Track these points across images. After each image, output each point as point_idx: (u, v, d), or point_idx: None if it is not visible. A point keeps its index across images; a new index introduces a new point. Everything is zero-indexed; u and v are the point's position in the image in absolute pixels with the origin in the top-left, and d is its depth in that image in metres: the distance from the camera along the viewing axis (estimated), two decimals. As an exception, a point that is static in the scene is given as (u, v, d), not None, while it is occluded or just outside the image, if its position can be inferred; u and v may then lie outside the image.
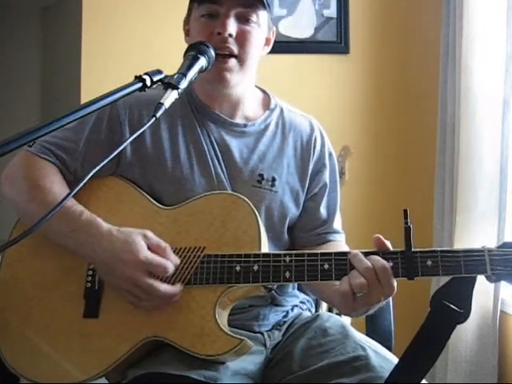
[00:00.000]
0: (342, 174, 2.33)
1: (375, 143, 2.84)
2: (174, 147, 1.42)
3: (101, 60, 2.70)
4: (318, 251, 1.26)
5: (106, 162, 1.01)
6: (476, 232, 2.37)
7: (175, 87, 1.14)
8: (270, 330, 1.45)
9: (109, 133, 1.42)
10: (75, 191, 0.98)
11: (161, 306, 1.28)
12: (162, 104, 1.10)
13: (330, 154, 1.55)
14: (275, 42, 1.52)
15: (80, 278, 1.35)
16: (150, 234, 1.30)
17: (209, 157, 1.43)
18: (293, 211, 1.48)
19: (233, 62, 1.37)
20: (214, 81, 1.39)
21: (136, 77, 1.10)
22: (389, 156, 2.84)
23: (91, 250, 1.29)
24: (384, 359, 1.30)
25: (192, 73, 1.21)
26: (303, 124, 1.53)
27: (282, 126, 1.51)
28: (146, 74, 1.11)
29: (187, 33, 1.46)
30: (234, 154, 1.44)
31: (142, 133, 1.10)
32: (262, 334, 1.43)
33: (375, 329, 1.61)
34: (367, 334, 1.52)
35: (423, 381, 1.17)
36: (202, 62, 1.26)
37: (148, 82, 1.10)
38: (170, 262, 1.27)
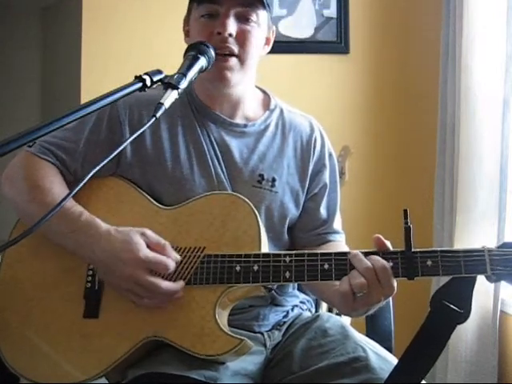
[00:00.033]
0: (342, 174, 2.33)
1: (375, 143, 2.84)
2: (174, 147, 1.42)
3: (101, 60, 2.70)
4: (318, 251, 1.26)
5: (105, 162, 1.01)
6: (476, 232, 2.37)
7: (175, 87, 1.14)
8: (269, 330, 1.45)
9: (109, 133, 1.42)
10: (75, 191, 0.98)
11: (163, 304, 1.28)
12: (162, 104, 1.10)
13: (330, 155, 1.55)
14: (275, 41, 1.52)
15: (80, 278, 1.35)
16: (148, 232, 1.30)
17: (209, 157, 1.43)
18: (293, 211, 1.48)
19: (233, 60, 1.37)
20: (215, 80, 1.39)
21: (136, 77, 1.10)
22: (389, 156, 2.84)
23: (90, 250, 1.29)
24: (384, 360, 1.30)
25: (192, 73, 1.21)
26: (303, 124, 1.53)
27: (281, 126, 1.51)
28: (146, 73, 1.11)
29: (187, 33, 1.46)
30: (234, 154, 1.44)
31: (141, 133, 1.10)
32: (262, 334, 1.43)
33: (375, 329, 1.61)
34: (367, 334, 1.52)
35: (423, 381, 1.17)
36: (202, 61, 1.26)
37: (148, 82, 1.10)
38: (171, 259, 1.27)
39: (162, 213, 1.38)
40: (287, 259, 1.25)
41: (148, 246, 1.27)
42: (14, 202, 1.40)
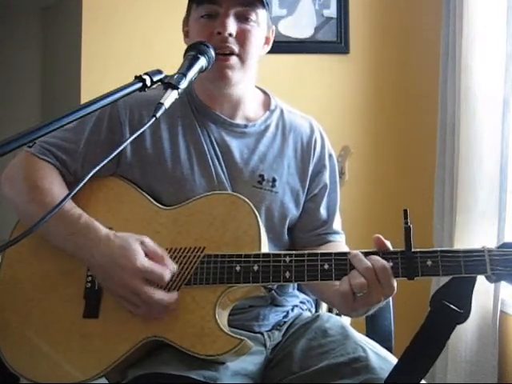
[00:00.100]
0: (341, 174, 2.33)
1: (375, 143, 2.84)
2: (174, 147, 1.42)
3: (101, 60, 2.70)
4: (318, 251, 1.26)
5: (105, 162, 1.01)
6: (476, 232, 2.37)
7: (175, 87, 1.14)
8: (270, 331, 1.45)
9: (109, 133, 1.42)
10: (75, 191, 0.98)
11: (158, 314, 1.27)
12: (162, 104, 1.10)
13: (330, 155, 1.55)
14: (275, 41, 1.52)
15: (80, 278, 1.35)
16: (147, 240, 1.29)
17: (209, 157, 1.42)
18: (293, 212, 1.48)
19: (234, 59, 1.37)
20: (216, 79, 1.39)
21: (136, 77, 1.10)
22: (389, 156, 2.84)
23: (89, 254, 1.29)
24: (384, 360, 1.29)
25: (192, 73, 1.21)
26: (303, 125, 1.53)
27: (282, 127, 1.51)
28: (146, 73, 1.11)
29: (186, 34, 1.46)
30: (235, 154, 1.44)
31: (142, 133, 1.10)
32: (262, 334, 1.43)
33: (375, 329, 1.61)
34: (367, 334, 1.52)
35: (423, 381, 1.17)
36: (202, 61, 1.26)
37: (148, 82, 1.10)
38: (168, 270, 1.27)
39: (162, 213, 1.37)
40: (287, 259, 1.25)
41: (146, 255, 1.27)
42: (14, 203, 1.40)
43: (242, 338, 1.24)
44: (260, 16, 1.41)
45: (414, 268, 1.19)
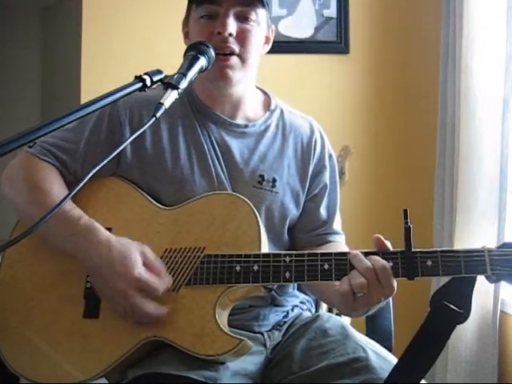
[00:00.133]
0: (341, 174, 2.33)
1: (375, 143, 2.84)
2: (175, 148, 1.42)
3: (101, 60, 2.70)
4: (318, 251, 1.26)
5: (104, 163, 1.00)
6: (476, 232, 2.37)
7: (175, 87, 1.14)
8: (270, 331, 1.45)
9: (109, 133, 1.42)
10: (75, 191, 0.98)
11: (146, 324, 1.27)
12: (162, 104, 1.10)
13: (330, 156, 1.55)
14: (275, 42, 1.52)
15: (80, 278, 1.35)
16: (147, 250, 1.30)
17: (209, 157, 1.42)
18: (293, 212, 1.48)
19: (235, 59, 1.37)
20: (216, 79, 1.39)
21: (136, 77, 1.10)
22: (389, 156, 2.84)
23: (88, 255, 1.29)
24: (384, 360, 1.29)
25: (192, 73, 1.21)
26: (303, 126, 1.53)
27: (282, 127, 1.51)
28: (146, 74, 1.11)
29: (186, 35, 1.46)
30: (235, 154, 1.44)
31: (142, 133, 1.10)
32: (262, 334, 1.43)
33: (375, 329, 1.61)
34: (367, 334, 1.52)
35: (423, 381, 1.17)
36: (202, 61, 1.26)
37: (148, 82, 1.10)
38: (163, 283, 1.27)
39: (162, 213, 1.37)
40: (287, 259, 1.25)
41: (144, 265, 1.27)
42: (14, 203, 1.40)
43: (242, 338, 1.24)
44: (260, 15, 1.41)
45: (413, 268, 1.19)
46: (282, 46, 2.64)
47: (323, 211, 1.52)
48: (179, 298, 1.29)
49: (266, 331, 1.44)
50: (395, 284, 1.21)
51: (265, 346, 1.42)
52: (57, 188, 1.37)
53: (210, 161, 1.42)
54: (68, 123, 0.97)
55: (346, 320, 1.54)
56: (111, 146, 1.38)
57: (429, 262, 1.19)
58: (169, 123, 1.43)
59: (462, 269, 1.17)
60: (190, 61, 1.24)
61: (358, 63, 2.84)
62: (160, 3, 2.70)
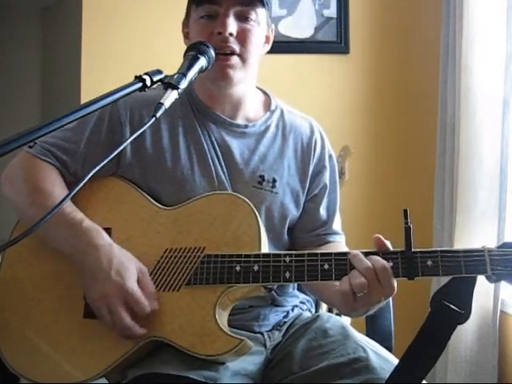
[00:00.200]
0: (341, 174, 2.33)
1: (375, 143, 2.84)
2: (175, 148, 1.42)
3: (101, 60, 2.70)
4: (318, 251, 1.26)
5: (104, 163, 1.00)
6: (476, 232, 2.37)
7: (175, 87, 1.14)
8: (270, 331, 1.45)
9: (109, 133, 1.42)
10: (74, 191, 0.98)
11: (119, 335, 1.27)
12: (162, 104, 1.10)
13: (330, 156, 1.55)
14: (275, 42, 1.52)
15: (80, 278, 1.35)
16: (145, 270, 1.30)
17: (209, 157, 1.42)
18: (293, 212, 1.48)
19: (235, 59, 1.37)
20: (217, 79, 1.39)
21: (136, 77, 1.10)
22: (389, 156, 2.84)
23: (87, 257, 1.28)
24: (384, 360, 1.29)
25: (192, 73, 1.21)
26: (303, 126, 1.53)
27: (282, 127, 1.51)
28: (146, 73, 1.11)
29: (186, 35, 1.46)
30: (235, 154, 1.44)
31: (142, 133, 1.10)
32: (262, 334, 1.43)
33: (375, 329, 1.61)
34: (367, 334, 1.52)
35: (423, 381, 1.17)
36: (202, 61, 1.26)
37: (148, 82, 1.10)
38: (149, 306, 1.27)
39: (162, 213, 1.37)
40: (287, 259, 1.25)
41: (138, 282, 1.28)
42: (14, 203, 1.40)
43: (242, 338, 1.24)
44: (260, 15, 1.41)
45: (414, 268, 1.19)
46: (282, 45, 2.64)
47: (323, 211, 1.52)
48: (179, 297, 1.28)
49: (266, 331, 1.44)
50: (395, 284, 1.21)
51: (265, 346, 1.42)
52: (57, 189, 1.37)
53: (211, 161, 1.42)
54: (68, 123, 0.97)
55: (346, 320, 1.54)
56: (111, 146, 1.38)
57: (429, 262, 1.19)
58: (169, 123, 1.43)
59: (462, 269, 1.17)
60: (190, 61, 1.24)
61: (358, 63, 2.84)
62: (160, 3, 2.70)
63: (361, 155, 2.69)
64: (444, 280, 1.19)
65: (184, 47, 1.30)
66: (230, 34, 1.36)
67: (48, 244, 1.35)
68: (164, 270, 1.31)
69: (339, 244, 1.52)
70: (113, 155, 1.03)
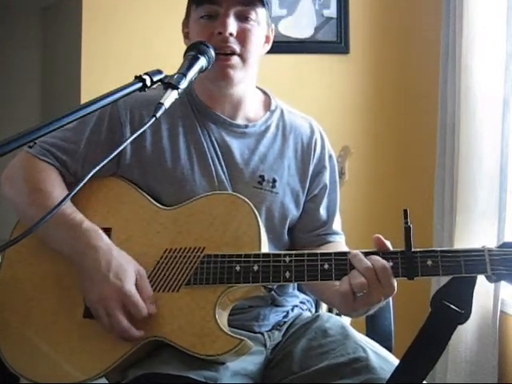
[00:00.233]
0: (341, 174, 2.33)
1: (375, 143, 2.84)
2: (175, 148, 1.42)
3: (101, 60, 2.70)
4: (318, 251, 1.26)
5: (104, 163, 1.00)
6: (476, 232, 2.37)
7: (175, 87, 1.14)
8: (270, 331, 1.45)
9: (109, 133, 1.42)
10: (74, 191, 0.98)
11: (116, 337, 1.27)
12: (162, 104, 1.10)
13: (330, 156, 1.55)
14: (275, 42, 1.52)
15: (79, 278, 1.35)
16: (143, 273, 1.30)
17: (209, 157, 1.42)
18: (293, 212, 1.48)
19: (235, 59, 1.37)
20: (217, 79, 1.39)
21: (136, 77, 1.10)
22: (389, 156, 2.84)
23: (86, 258, 1.28)
24: (384, 360, 1.29)
25: (192, 73, 1.21)
26: (303, 126, 1.53)
27: (282, 127, 1.51)
28: (146, 73, 1.11)
29: (186, 35, 1.46)
30: (235, 154, 1.44)
31: (142, 133, 1.10)
32: (262, 334, 1.43)
33: (375, 329, 1.61)
34: (367, 334, 1.52)
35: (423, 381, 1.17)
36: (202, 61, 1.26)
37: (148, 82, 1.10)
38: (147, 309, 1.27)
39: (162, 213, 1.37)
40: (287, 259, 1.25)
41: (136, 285, 1.28)
42: (14, 203, 1.40)
43: (242, 338, 1.24)
44: (260, 15, 1.41)
45: (413, 268, 1.19)
46: (282, 45, 2.64)
47: (323, 211, 1.52)
48: (179, 298, 1.28)
49: (266, 331, 1.44)
50: (395, 284, 1.21)
51: (265, 346, 1.42)
52: (57, 189, 1.37)
53: (211, 161, 1.42)
54: (68, 123, 0.97)
55: (346, 320, 1.54)
56: (111, 146, 1.37)
57: (429, 262, 1.19)
58: (169, 123, 1.43)
59: (462, 268, 1.17)
60: (189, 61, 1.24)
61: (358, 63, 2.84)
62: (160, 3, 2.70)
63: (361, 155, 2.69)
64: (444, 280, 1.19)
65: (184, 47, 1.30)
66: (231, 34, 1.36)
67: (48, 244, 1.35)
68: (164, 270, 1.31)
69: (339, 244, 1.52)
70: (113, 155, 1.03)
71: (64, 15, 3.34)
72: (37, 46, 3.84)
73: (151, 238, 1.34)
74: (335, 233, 1.53)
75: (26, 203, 1.37)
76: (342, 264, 1.22)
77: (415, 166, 2.83)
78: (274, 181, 1.45)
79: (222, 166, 1.43)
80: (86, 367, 1.30)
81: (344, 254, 1.23)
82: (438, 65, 2.60)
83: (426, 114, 2.77)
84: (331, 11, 2.80)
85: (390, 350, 1.44)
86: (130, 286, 1.26)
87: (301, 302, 1.54)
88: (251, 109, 1.49)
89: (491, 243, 2.15)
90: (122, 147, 1.05)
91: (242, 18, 1.38)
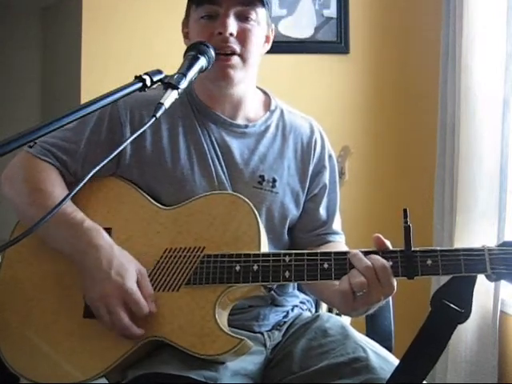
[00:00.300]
0: (341, 174, 2.33)
1: (375, 143, 2.84)
2: (175, 148, 1.42)
3: (101, 60, 2.70)
4: (318, 251, 1.26)
5: (104, 163, 1.00)
6: (476, 232, 2.37)
7: (175, 87, 1.14)
8: (270, 330, 1.45)
9: (109, 133, 1.42)
10: (74, 191, 0.98)
11: (117, 334, 1.27)
12: (162, 104, 1.10)
13: (330, 156, 1.55)
14: (275, 42, 1.52)
15: (80, 278, 1.35)
16: (144, 272, 1.30)
17: (209, 157, 1.42)
18: (293, 212, 1.48)
19: (236, 59, 1.37)
20: (217, 79, 1.39)
21: (136, 77, 1.10)
22: (389, 156, 2.84)
23: (87, 256, 1.28)
24: (384, 360, 1.29)
25: (192, 73, 1.21)
26: (303, 126, 1.53)
27: (282, 127, 1.51)
28: (146, 73, 1.11)
29: (186, 35, 1.46)
30: (235, 154, 1.44)
31: (142, 133, 1.10)
32: (262, 334, 1.43)
33: (375, 329, 1.61)
34: (367, 334, 1.52)
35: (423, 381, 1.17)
36: (202, 61, 1.26)
37: (148, 82, 1.10)
38: (147, 307, 1.27)
39: (162, 213, 1.37)
40: (287, 259, 1.25)
41: (137, 283, 1.28)
42: (14, 203, 1.40)
43: (242, 337, 1.24)
44: (260, 15, 1.41)
45: (413, 267, 1.19)
46: (282, 45, 2.65)
47: (323, 211, 1.52)
48: (179, 297, 1.28)
49: (266, 331, 1.44)
50: (395, 283, 1.21)
51: (265, 345, 1.42)
52: (57, 189, 1.37)
53: (210, 161, 1.42)
54: (68, 123, 0.97)
55: (346, 320, 1.54)
56: (111, 146, 1.37)
57: (429, 261, 1.19)
58: (169, 123, 1.43)
59: (462, 268, 1.17)
60: (189, 61, 1.24)
61: (358, 63, 2.84)
62: (160, 3, 2.70)
63: (361, 155, 2.69)
64: (444, 279, 1.19)
65: (184, 47, 1.30)
66: (231, 34, 1.36)
67: (48, 244, 1.35)
68: (164, 270, 1.31)
69: (339, 244, 1.52)
70: (113, 155, 1.03)
71: (64, 15, 3.35)
72: (37, 46, 3.84)
73: (151, 237, 1.35)
74: (335, 232, 1.53)
75: (26, 203, 1.37)
76: (341, 263, 1.22)
77: (415, 166, 2.83)
78: (274, 181, 1.45)
79: (221, 166, 1.43)
80: (87, 367, 1.30)
81: (344, 253, 1.23)
82: (438, 65, 2.60)
83: (426, 113, 2.78)
84: (331, 11, 2.80)
85: (390, 349, 1.44)
86: (132, 284, 1.26)
87: (301, 302, 1.54)
88: (251, 109, 1.49)
89: (491, 243, 2.11)
90: (122, 147, 1.05)
91: (242, 18, 1.38)
